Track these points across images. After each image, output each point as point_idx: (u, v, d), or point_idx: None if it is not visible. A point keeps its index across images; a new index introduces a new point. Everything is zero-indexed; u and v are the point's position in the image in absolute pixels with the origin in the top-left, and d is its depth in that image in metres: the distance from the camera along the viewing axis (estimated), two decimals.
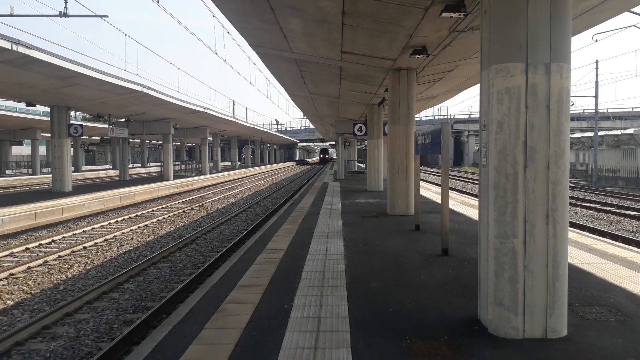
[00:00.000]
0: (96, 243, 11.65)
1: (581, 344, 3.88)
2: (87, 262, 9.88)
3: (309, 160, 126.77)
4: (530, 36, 3.91)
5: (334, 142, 55.55)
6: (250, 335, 4.16)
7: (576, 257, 6.94)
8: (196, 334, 4.19)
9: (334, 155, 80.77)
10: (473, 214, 11.86)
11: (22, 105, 21.19)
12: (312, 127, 67.87)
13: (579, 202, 19.06)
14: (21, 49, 12.52)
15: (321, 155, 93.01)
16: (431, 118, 71.02)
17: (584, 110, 59.65)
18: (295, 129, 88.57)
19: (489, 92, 4.11)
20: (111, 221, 15.06)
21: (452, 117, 71.19)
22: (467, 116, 69.23)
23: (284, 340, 4.03)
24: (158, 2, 12.44)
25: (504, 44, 4.00)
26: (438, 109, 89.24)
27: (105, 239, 12.10)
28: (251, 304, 4.99)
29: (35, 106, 21.11)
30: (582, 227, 12.94)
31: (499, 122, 4.04)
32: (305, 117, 40.63)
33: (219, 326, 4.38)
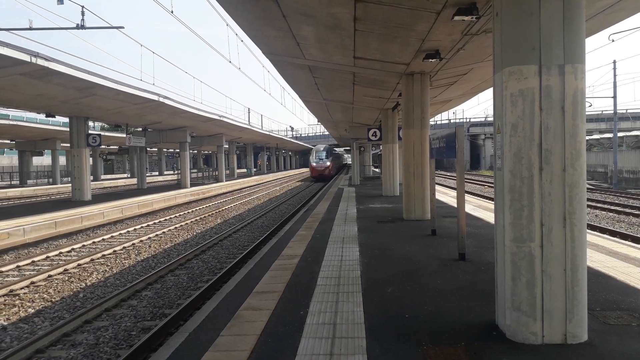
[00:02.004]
0: (115, 251, 11.79)
1: (602, 349, 3.81)
2: (106, 270, 10.01)
3: None
4: (543, 38, 3.88)
5: (348, 148, 54.81)
6: (265, 341, 4.16)
7: (596, 260, 6.81)
8: (212, 341, 4.22)
9: (349, 161, 59.59)
10: (490, 217, 11.73)
11: (42, 116, 21.62)
12: (326, 133, 67.92)
13: (599, 205, 18.73)
14: (40, 61, 12.81)
15: (316, 164, 43.64)
16: (446, 121, 70.51)
17: (602, 111, 58.62)
18: (310, 135, 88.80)
19: (502, 94, 4.08)
20: (129, 229, 15.24)
21: (467, 120, 70.67)
22: (483, 119, 68.68)
23: (300, 346, 4.03)
24: (172, 12, 12.63)
25: (517, 46, 3.97)
26: (454, 113, 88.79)
27: (124, 247, 12.25)
28: (267, 311, 5.00)
29: (55, 117, 21.51)
30: (603, 230, 12.70)
31: (513, 125, 4.00)
32: (319, 123, 40.64)
33: (235, 333, 4.40)
